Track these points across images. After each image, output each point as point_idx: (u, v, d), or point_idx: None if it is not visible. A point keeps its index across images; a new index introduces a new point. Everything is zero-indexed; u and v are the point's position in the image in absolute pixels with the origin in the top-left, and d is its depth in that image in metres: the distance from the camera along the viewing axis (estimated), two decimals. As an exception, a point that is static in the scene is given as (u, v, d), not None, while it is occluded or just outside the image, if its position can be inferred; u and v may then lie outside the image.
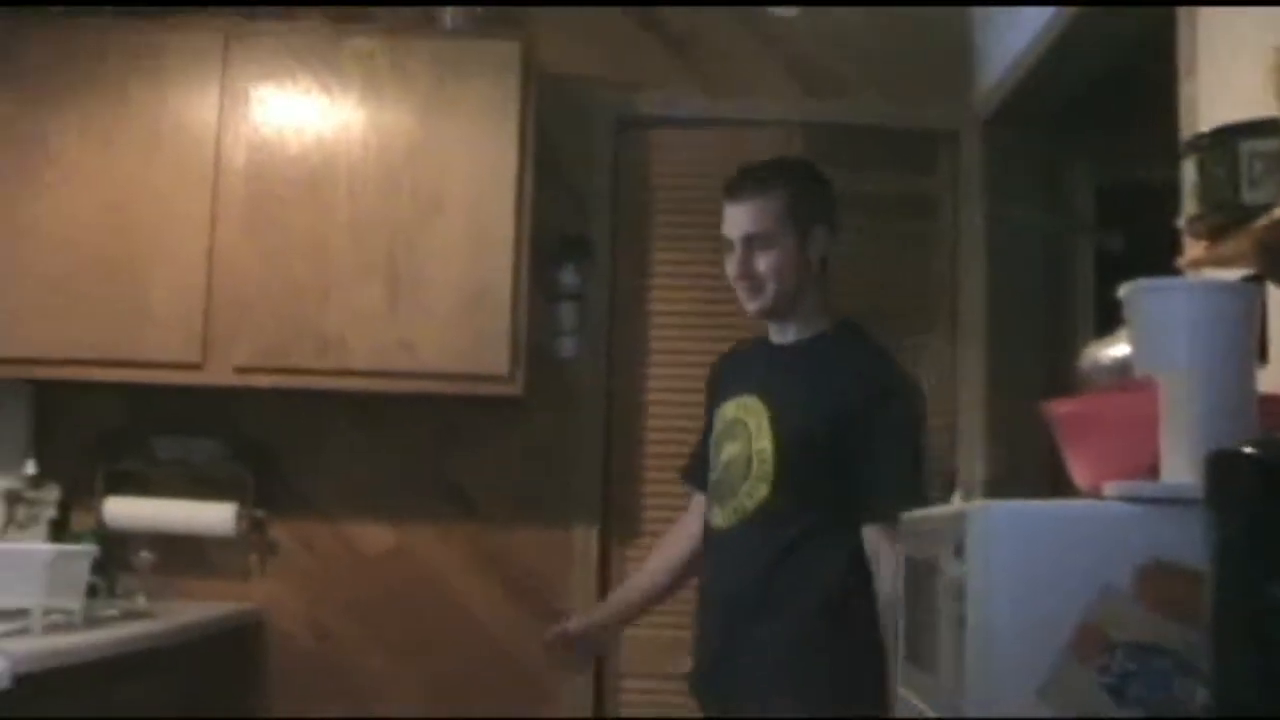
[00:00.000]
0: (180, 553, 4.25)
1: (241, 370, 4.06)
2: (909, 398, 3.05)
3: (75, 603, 3.27)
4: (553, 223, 4.35)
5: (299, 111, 4.13)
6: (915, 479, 2.93)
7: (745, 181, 3.09)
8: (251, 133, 4.12)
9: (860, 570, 2.90)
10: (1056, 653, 1.85)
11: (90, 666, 3.05)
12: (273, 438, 4.41)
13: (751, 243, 3.01)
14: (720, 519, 3.01)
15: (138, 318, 4.05)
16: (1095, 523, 1.90)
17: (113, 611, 3.61)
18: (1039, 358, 4.33)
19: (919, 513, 2.77)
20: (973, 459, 4.36)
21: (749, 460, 2.96)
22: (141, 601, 3.91)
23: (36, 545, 3.83)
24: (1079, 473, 2.06)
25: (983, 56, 4.46)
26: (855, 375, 2.98)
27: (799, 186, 3.08)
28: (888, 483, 2.88)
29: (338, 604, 4.37)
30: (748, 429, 2.99)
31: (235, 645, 4.19)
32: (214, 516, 4.24)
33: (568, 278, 4.39)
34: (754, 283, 3.02)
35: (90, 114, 4.13)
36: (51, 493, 4.14)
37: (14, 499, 4.07)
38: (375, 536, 4.40)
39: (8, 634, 2.94)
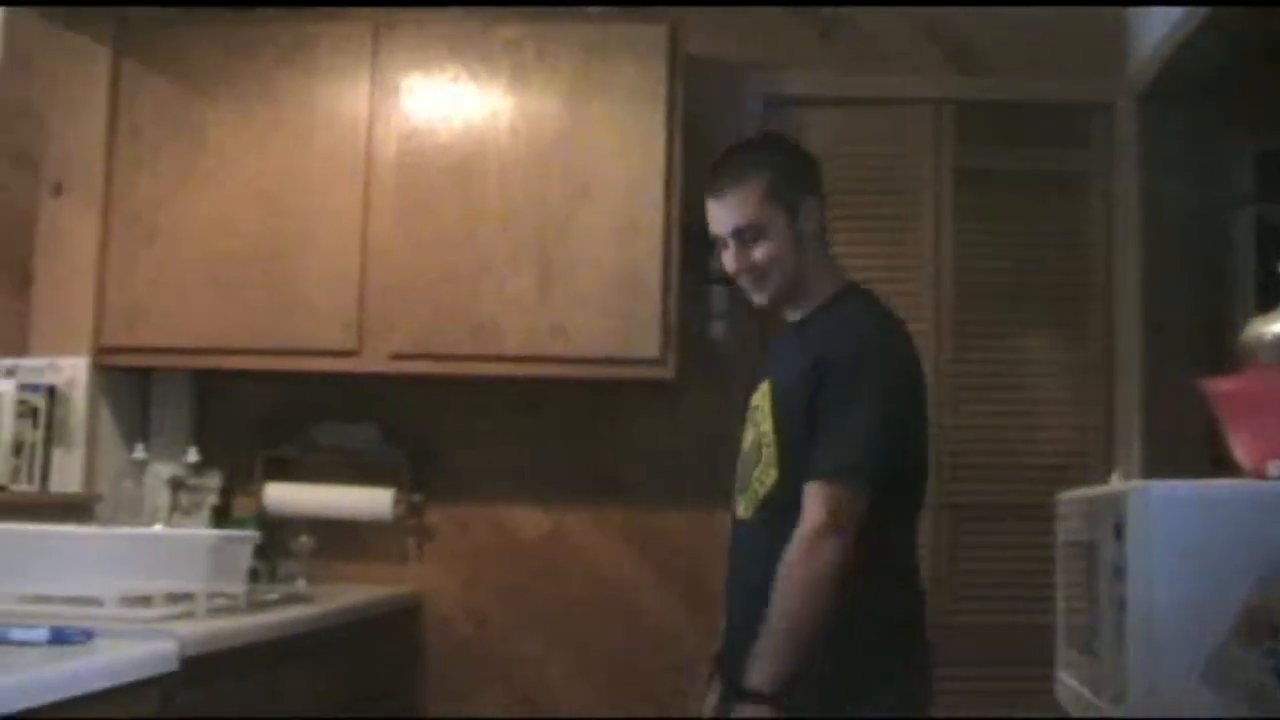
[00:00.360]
0: (339, 537, 4.32)
1: (396, 357, 4.11)
2: (877, 361, 2.87)
3: (238, 587, 3.32)
4: (702, 205, 4.33)
5: (448, 100, 4.17)
6: (871, 442, 2.76)
7: (722, 175, 2.99)
8: (402, 122, 4.17)
9: (876, 548, 2.78)
10: (1219, 635, 1.81)
11: (252, 649, 3.10)
12: (428, 423, 4.46)
13: (743, 235, 2.92)
14: (741, 509, 2.95)
15: (294, 306, 4.12)
16: (1258, 503, 1.86)
17: (274, 595, 3.67)
18: (1197, 335, 4.23)
19: (1077, 493, 2.71)
20: (1131, 438, 4.27)
21: (759, 446, 2.91)
22: (301, 585, 3.98)
23: (200, 531, 3.91)
24: (1241, 452, 2.01)
25: (1136, 27, 4.35)
26: (828, 341, 2.86)
27: (777, 166, 2.98)
28: (837, 440, 2.75)
29: (493, 588, 4.41)
30: (759, 414, 2.94)
31: (393, 629, 4.24)
32: (372, 501, 4.30)
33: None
34: (756, 274, 2.94)
35: (246, 106, 4.21)
36: (214, 479, 4.22)
37: (178, 485, 4.16)
38: (530, 520, 4.42)
39: (174, 617, 2.99)
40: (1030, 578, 4.07)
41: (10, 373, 4.09)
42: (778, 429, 2.86)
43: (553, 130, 4.13)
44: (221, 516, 4.16)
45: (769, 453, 2.87)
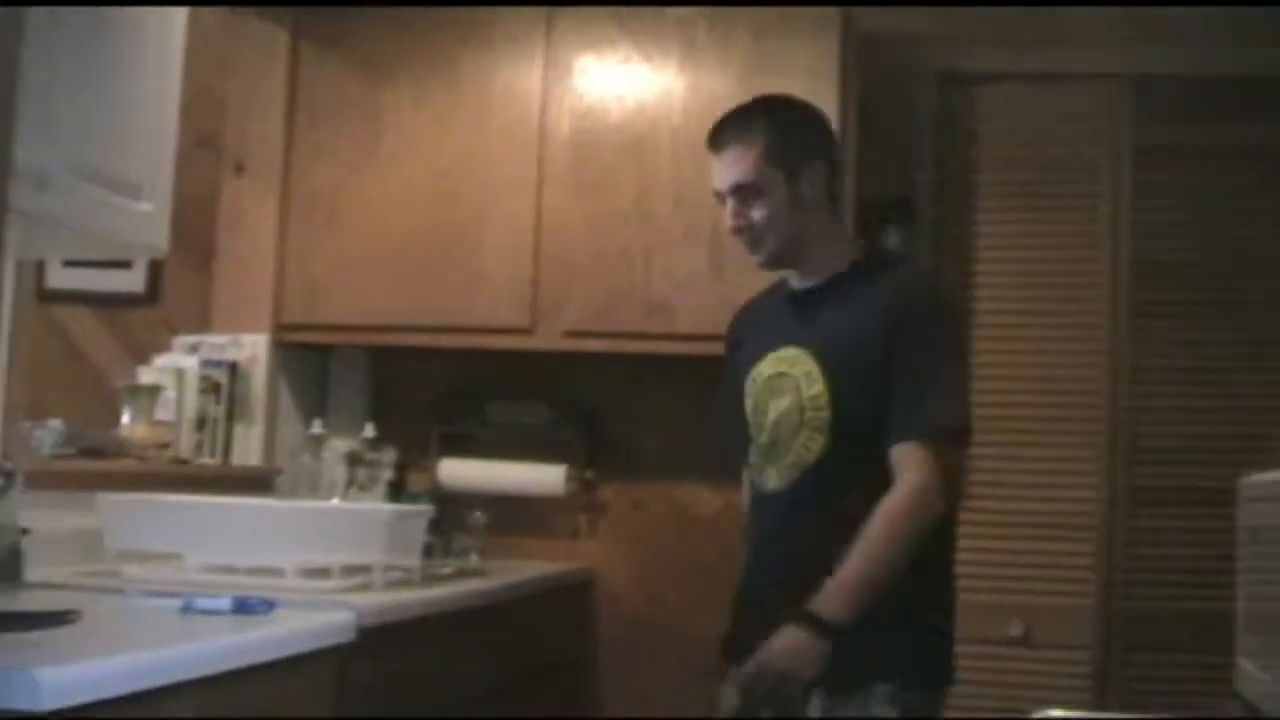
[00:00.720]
0: (512, 513, 4.35)
1: (570, 334, 4.14)
2: (950, 315, 2.96)
3: (413, 560, 3.37)
4: (876, 184, 4.30)
5: (620, 80, 4.17)
6: (961, 399, 2.85)
7: (724, 130, 2.98)
8: (575, 101, 4.19)
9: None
10: None
11: (426, 621, 3.14)
12: (600, 400, 4.48)
13: (741, 193, 2.91)
14: (775, 480, 2.90)
15: (470, 284, 4.16)
16: None
17: (447, 570, 3.71)
18: None
19: (1266, 476, 2.64)
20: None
21: (800, 410, 2.84)
22: (475, 560, 4.02)
23: (378, 505, 3.97)
24: None
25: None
26: (893, 297, 2.84)
27: (780, 126, 2.95)
28: (929, 399, 2.76)
29: (664, 564, 4.41)
30: (794, 381, 2.87)
31: (564, 604, 4.27)
32: (545, 478, 4.33)
33: (892, 239, 4.33)
34: (752, 234, 2.93)
35: (423, 86, 4.26)
36: (389, 455, 4.27)
37: (355, 461, 4.22)
38: (701, 498, 4.42)
39: (351, 589, 3.05)
40: (1209, 563, 4.00)
41: (194, 349, 4.18)
42: (835, 394, 2.81)
43: (725, 109, 4.11)
44: (397, 491, 4.22)
45: (819, 417, 2.82)
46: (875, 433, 2.77)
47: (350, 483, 4.18)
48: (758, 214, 2.90)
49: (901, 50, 4.42)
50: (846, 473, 2.80)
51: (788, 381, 2.88)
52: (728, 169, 2.93)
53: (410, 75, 4.28)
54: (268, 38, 4.38)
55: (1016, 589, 4.21)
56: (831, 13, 4.08)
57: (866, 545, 2.70)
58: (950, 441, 2.80)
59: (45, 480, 3.12)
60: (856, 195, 4.07)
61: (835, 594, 2.69)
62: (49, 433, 3.45)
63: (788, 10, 4.11)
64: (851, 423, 2.80)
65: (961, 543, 4.25)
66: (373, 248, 4.24)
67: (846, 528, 2.73)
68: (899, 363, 2.77)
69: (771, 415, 2.90)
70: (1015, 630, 4.16)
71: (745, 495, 3.16)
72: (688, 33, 4.15)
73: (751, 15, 4.13)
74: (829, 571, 2.71)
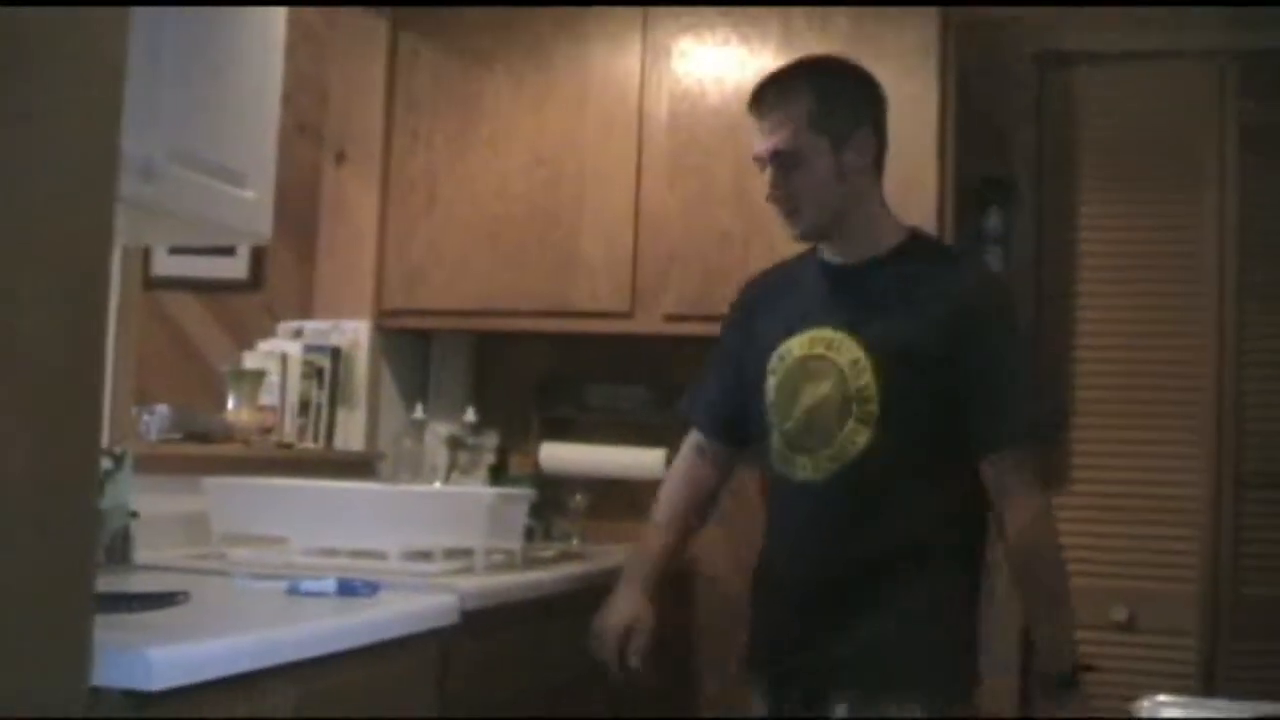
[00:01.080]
0: (612, 497, 4.36)
1: (670, 318, 4.13)
2: (1017, 313, 2.85)
3: (514, 543, 3.39)
4: (976, 166, 4.26)
5: (718, 63, 4.16)
6: (1037, 404, 2.78)
7: (766, 92, 2.82)
8: (673, 85, 4.18)
9: (975, 514, 2.78)
10: None
11: (528, 604, 3.16)
12: (699, 385, 4.47)
13: (780, 159, 2.76)
14: (809, 470, 2.75)
15: (569, 269, 4.17)
16: None
17: (549, 553, 3.73)
18: None
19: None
20: None
21: (846, 401, 2.69)
22: (575, 543, 4.04)
23: (479, 489, 3.99)
24: None
25: None
26: (963, 294, 2.72)
27: (825, 89, 2.79)
28: (1013, 411, 2.69)
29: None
30: (836, 367, 2.71)
31: (663, 587, 4.26)
32: (645, 461, 4.33)
33: (992, 221, 4.29)
34: (790, 204, 2.78)
35: (521, 72, 4.27)
36: (491, 439, 4.30)
37: (456, 444, 4.24)
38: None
39: (454, 572, 3.07)
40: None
41: (297, 334, 4.23)
42: (887, 388, 2.68)
43: (823, 92, 4.10)
44: (498, 475, 4.24)
45: (867, 411, 2.68)
46: (927, 433, 2.70)
47: (452, 466, 4.21)
48: (797, 183, 2.76)
49: (1000, 33, 4.37)
50: (892, 472, 2.69)
51: (827, 366, 2.74)
52: (769, 135, 2.78)
53: (507, 62, 4.30)
54: (367, 28, 4.42)
55: (1121, 574, 4.17)
56: (930, -6, 4.04)
57: (1049, 583, 2.72)
58: (1044, 446, 2.83)
59: (153, 464, 3.16)
60: (957, 177, 4.03)
61: (1066, 650, 2.71)
62: (156, 417, 3.49)
63: (887, -9, 4.08)
64: (901, 420, 2.68)
65: (1066, 527, 4.22)
66: (472, 233, 4.27)
67: (890, 531, 2.70)
68: (985, 368, 2.69)
69: (806, 400, 2.76)
70: (1119, 615, 4.12)
71: (691, 468, 3.10)
72: (786, 16, 4.13)
73: (850, -2, 4.10)
74: (870, 574, 2.70)
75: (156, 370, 4.58)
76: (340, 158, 4.42)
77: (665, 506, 3.12)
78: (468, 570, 3.12)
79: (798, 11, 4.12)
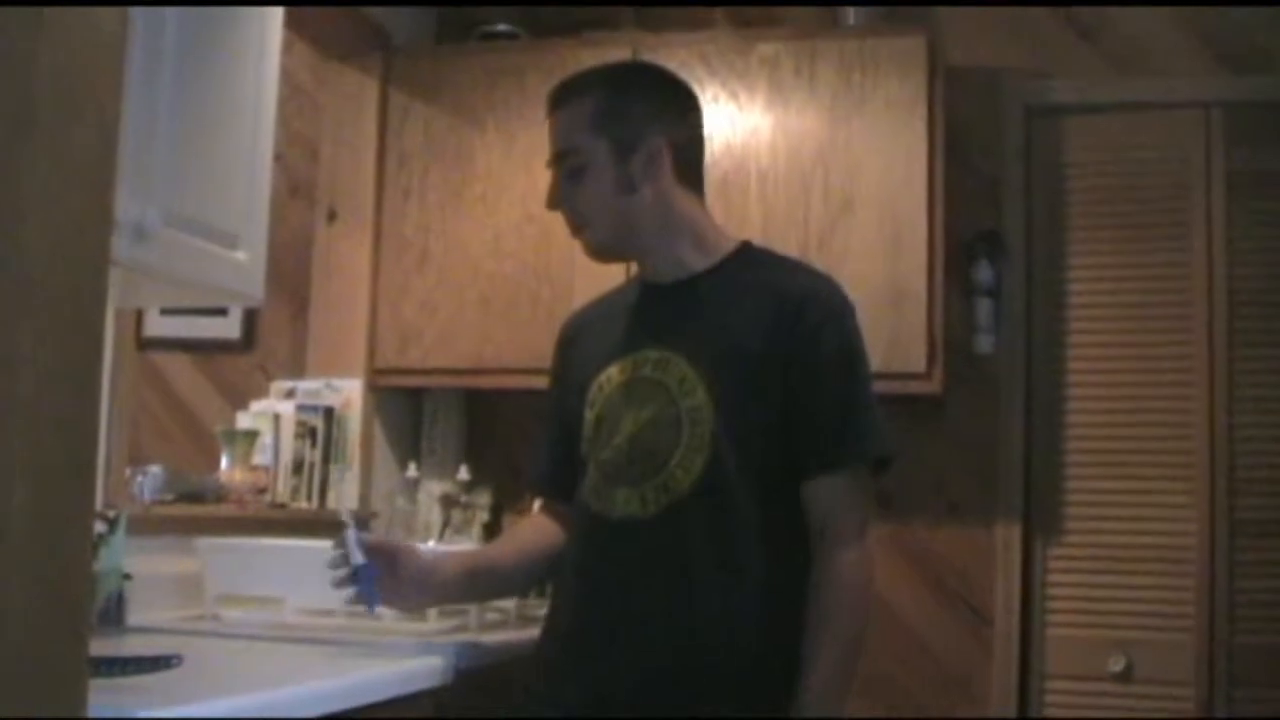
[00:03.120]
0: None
1: (661, 374, 4.13)
2: (853, 320, 2.53)
3: (509, 601, 3.38)
4: (965, 217, 4.28)
5: (708, 120, 4.14)
6: (871, 425, 2.47)
7: (560, 89, 2.60)
8: (663, 142, 4.19)
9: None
10: None
11: (524, 662, 3.14)
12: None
13: (563, 163, 2.54)
14: (631, 505, 2.44)
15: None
16: None
17: (544, 610, 3.71)
18: None
19: None
20: None
21: (676, 423, 2.42)
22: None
23: (473, 547, 3.98)
24: None
25: None
26: (796, 301, 2.46)
27: (614, 91, 2.56)
28: (840, 430, 2.43)
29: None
30: (664, 388, 2.45)
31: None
32: (638, 518, 4.32)
33: (982, 273, 4.31)
34: (574, 216, 2.56)
35: (512, 131, 4.29)
36: (484, 496, 4.30)
37: (450, 503, 4.24)
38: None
39: (448, 631, 3.06)
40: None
41: (290, 394, 4.23)
42: (720, 406, 2.41)
43: (813, 146, 4.12)
44: (492, 533, 4.23)
45: (700, 433, 2.41)
46: (767, 454, 2.43)
47: (446, 525, 4.20)
48: (579, 191, 2.53)
49: (988, 83, 4.40)
50: (732, 500, 2.41)
51: (652, 388, 2.48)
52: (553, 133, 2.58)
53: (498, 119, 4.32)
54: (357, 85, 4.44)
55: (1117, 624, 4.16)
56: (918, 46, 4.07)
57: (839, 622, 2.38)
58: (880, 473, 2.51)
59: (146, 525, 3.16)
60: (946, 228, 4.05)
61: (823, 699, 2.37)
62: (149, 479, 3.49)
63: (873, 44, 4.11)
64: (739, 441, 2.41)
65: (1060, 577, 4.24)
66: (465, 291, 4.28)
67: (734, 566, 2.40)
68: (817, 381, 2.44)
69: (628, 428, 2.48)
70: (1116, 666, 4.11)
71: (543, 533, 2.74)
72: (773, 71, 4.16)
73: (837, 51, 4.13)
74: (709, 614, 2.39)
75: (149, 431, 4.59)
76: (332, 216, 4.44)
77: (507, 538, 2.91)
78: (463, 629, 3.11)
79: (786, 66, 4.14)
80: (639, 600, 2.45)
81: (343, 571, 2.59)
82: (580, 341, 2.73)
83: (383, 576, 2.59)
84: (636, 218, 2.54)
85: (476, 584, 2.75)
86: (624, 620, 2.46)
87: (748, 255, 2.63)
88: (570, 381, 2.67)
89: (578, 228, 2.59)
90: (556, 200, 2.58)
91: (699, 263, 2.58)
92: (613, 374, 2.54)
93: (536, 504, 2.88)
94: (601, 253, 2.63)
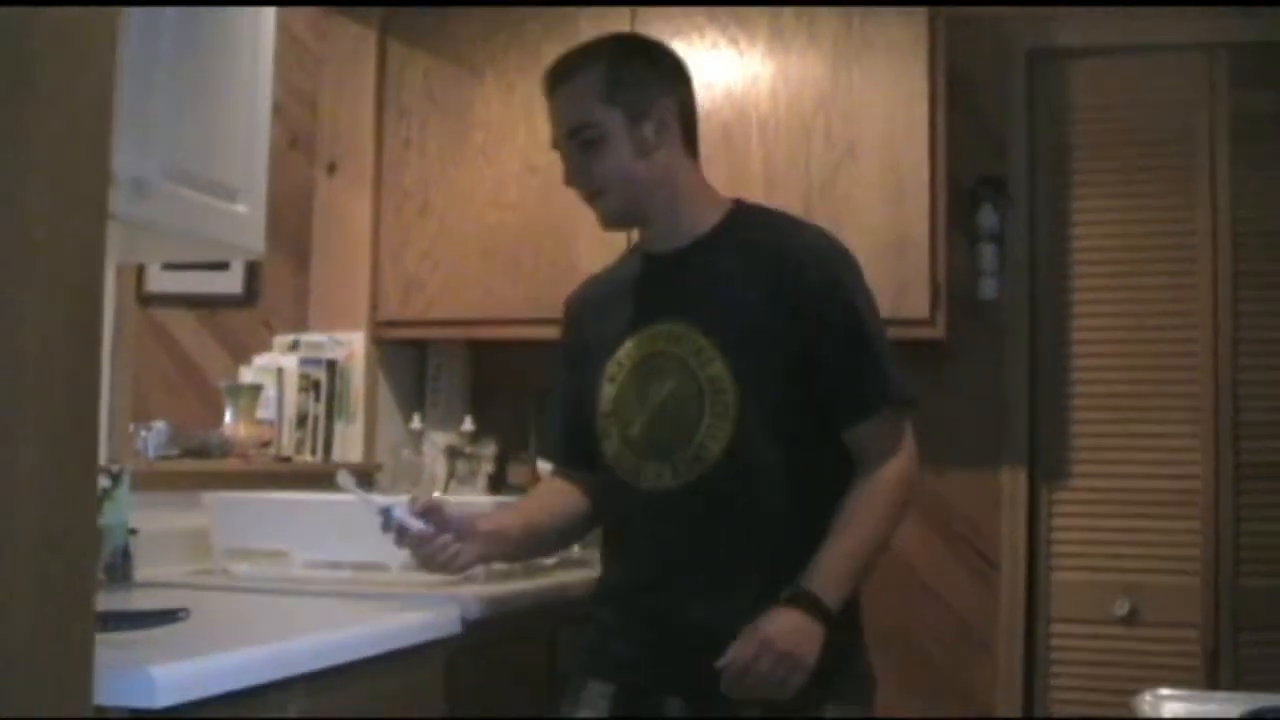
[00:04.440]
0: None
1: (664, 324, 4.12)
2: (859, 271, 2.59)
3: (515, 552, 3.38)
4: (969, 163, 4.26)
5: (708, 67, 4.15)
6: (893, 364, 2.54)
7: (557, 69, 2.62)
8: (664, 90, 4.18)
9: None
10: None
11: (531, 612, 3.16)
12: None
13: (576, 137, 2.56)
14: (665, 477, 2.51)
15: (565, 277, 4.10)
16: None
17: (550, 560, 3.72)
18: None
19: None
20: None
21: (699, 395, 2.48)
22: (576, 551, 4.02)
23: (479, 498, 3.99)
24: None
25: None
26: (800, 259, 2.52)
27: (617, 61, 2.59)
28: (870, 377, 2.51)
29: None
30: (680, 360, 2.51)
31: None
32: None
33: (986, 218, 4.29)
34: (592, 186, 2.59)
35: (512, 80, 4.27)
36: (489, 448, 4.30)
37: (455, 454, 4.24)
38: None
39: (456, 582, 3.06)
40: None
41: (293, 347, 4.22)
42: (739, 373, 2.47)
43: (814, 93, 4.10)
44: (497, 484, 4.24)
45: (723, 401, 2.47)
46: (789, 415, 2.50)
47: (451, 476, 4.21)
48: (597, 161, 2.55)
49: (990, 27, 4.37)
50: (762, 464, 2.48)
51: (670, 361, 2.53)
52: (561, 110, 2.60)
53: (497, 69, 4.30)
54: (356, 37, 4.42)
55: (1122, 567, 4.17)
56: (919, -9, 4.04)
57: (856, 522, 2.46)
58: (910, 413, 2.57)
59: (152, 481, 3.16)
60: (949, 174, 4.04)
61: (827, 574, 2.42)
62: (154, 434, 3.49)
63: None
64: (761, 406, 2.47)
65: (1066, 521, 4.24)
66: (467, 242, 4.27)
67: (771, 528, 2.49)
68: (831, 334, 2.50)
69: (653, 400, 2.53)
70: (1121, 609, 4.12)
71: (541, 496, 2.83)
72: (775, 17, 4.13)
73: (838, -6, 4.10)
74: (749, 576, 2.47)
75: (153, 387, 4.59)
76: (332, 169, 4.42)
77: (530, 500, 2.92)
78: (470, 580, 3.11)
79: (787, 12, 4.12)
80: (676, 566, 2.52)
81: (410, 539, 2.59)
82: (589, 317, 2.75)
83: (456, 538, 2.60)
84: (651, 183, 2.58)
85: (527, 543, 2.80)
86: (663, 584, 2.53)
87: (743, 215, 2.66)
88: (584, 358, 2.70)
89: (593, 197, 2.61)
90: (573, 176, 2.61)
91: (700, 226, 2.61)
92: (629, 349, 2.58)
93: (546, 469, 2.93)
94: (618, 219, 2.66)
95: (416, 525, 2.56)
